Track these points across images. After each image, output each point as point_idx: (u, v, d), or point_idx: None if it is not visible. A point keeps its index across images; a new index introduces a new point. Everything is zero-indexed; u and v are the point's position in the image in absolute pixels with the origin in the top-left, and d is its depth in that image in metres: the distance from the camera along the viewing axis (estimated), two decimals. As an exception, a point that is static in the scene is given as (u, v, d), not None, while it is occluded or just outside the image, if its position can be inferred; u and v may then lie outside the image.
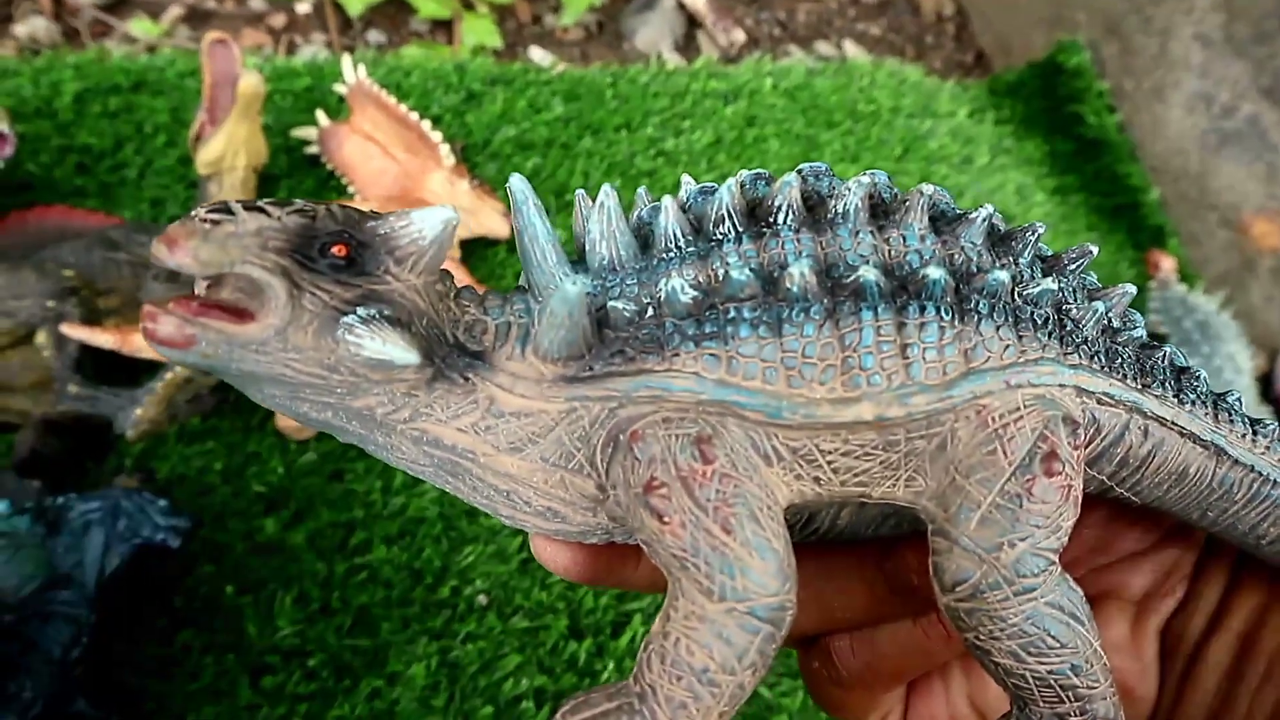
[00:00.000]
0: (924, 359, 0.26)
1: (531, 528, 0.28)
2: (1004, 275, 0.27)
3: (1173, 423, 0.29)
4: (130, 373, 0.86)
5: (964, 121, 1.53)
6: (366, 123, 1.04)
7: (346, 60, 1.05)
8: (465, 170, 1.04)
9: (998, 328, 0.26)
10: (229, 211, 0.24)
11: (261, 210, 0.24)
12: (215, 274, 0.24)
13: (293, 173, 1.05)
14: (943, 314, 0.26)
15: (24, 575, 0.65)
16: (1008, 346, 0.27)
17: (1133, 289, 0.30)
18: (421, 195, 1.00)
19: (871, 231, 0.27)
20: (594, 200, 0.27)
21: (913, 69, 1.57)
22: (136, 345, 0.82)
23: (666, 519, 0.24)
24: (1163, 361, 0.30)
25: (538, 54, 1.39)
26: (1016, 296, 0.27)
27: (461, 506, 0.89)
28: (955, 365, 0.26)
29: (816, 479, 0.26)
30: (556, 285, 0.25)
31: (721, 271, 0.26)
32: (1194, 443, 0.30)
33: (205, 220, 0.24)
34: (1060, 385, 0.27)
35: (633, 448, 0.25)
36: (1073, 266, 0.29)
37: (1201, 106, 1.43)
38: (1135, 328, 0.30)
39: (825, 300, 0.25)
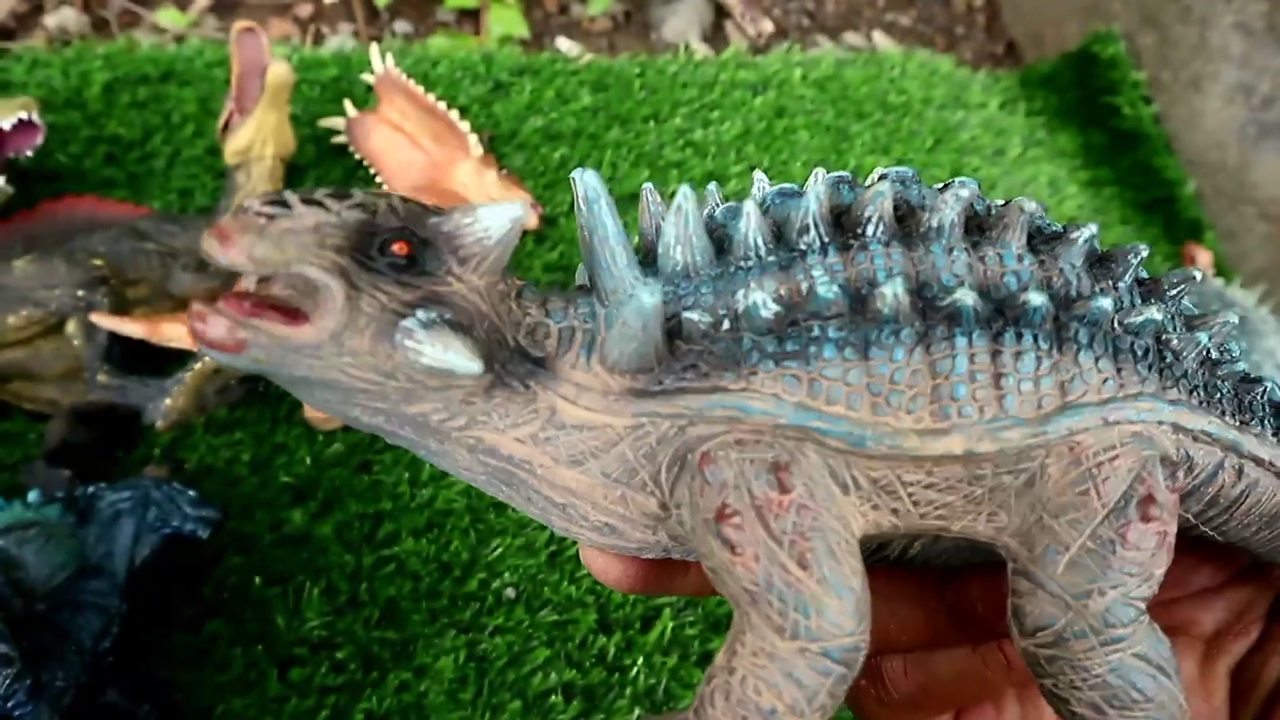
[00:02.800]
0: (1019, 391, 0.24)
1: (586, 541, 0.27)
2: (1107, 303, 0.25)
3: (1270, 464, 0.28)
4: (158, 362, 0.86)
5: (996, 113, 1.51)
6: (394, 112, 1.03)
7: (375, 50, 1.05)
8: (493, 160, 1.03)
9: (1097, 359, 0.25)
10: (285, 205, 0.22)
11: (320, 204, 0.23)
12: (269, 273, 0.23)
13: (320, 162, 1.05)
14: (1040, 343, 0.24)
15: (55, 565, 0.65)
16: (1106, 380, 0.25)
17: (1234, 319, 0.28)
18: (449, 185, 0.99)
19: (966, 249, 0.25)
20: (664, 198, 0.26)
21: (944, 60, 1.55)
22: (165, 335, 0.82)
23: (739, 550, 0.23)
24: (1261, 398, 0.28)
25: (565, 44, 1.38)
26: (1117, 325, 0.26)
27: (489, 499, 0.88)
28: (1051, 399, 0.24)
29: (895, 510, 0.25)
30: (628, 292, 0.24)
31: (806, 286, 0.24)
32: None
33: (260, 215, 0.22)
34: (1159, 422, 0.25)
35: (703, 470, 0.24)
36: (1173, 292, 0.27)
37: (1241, 98, 1.40)
38: (1235, 361, 0.28)
39: (917, 323, 0.24)
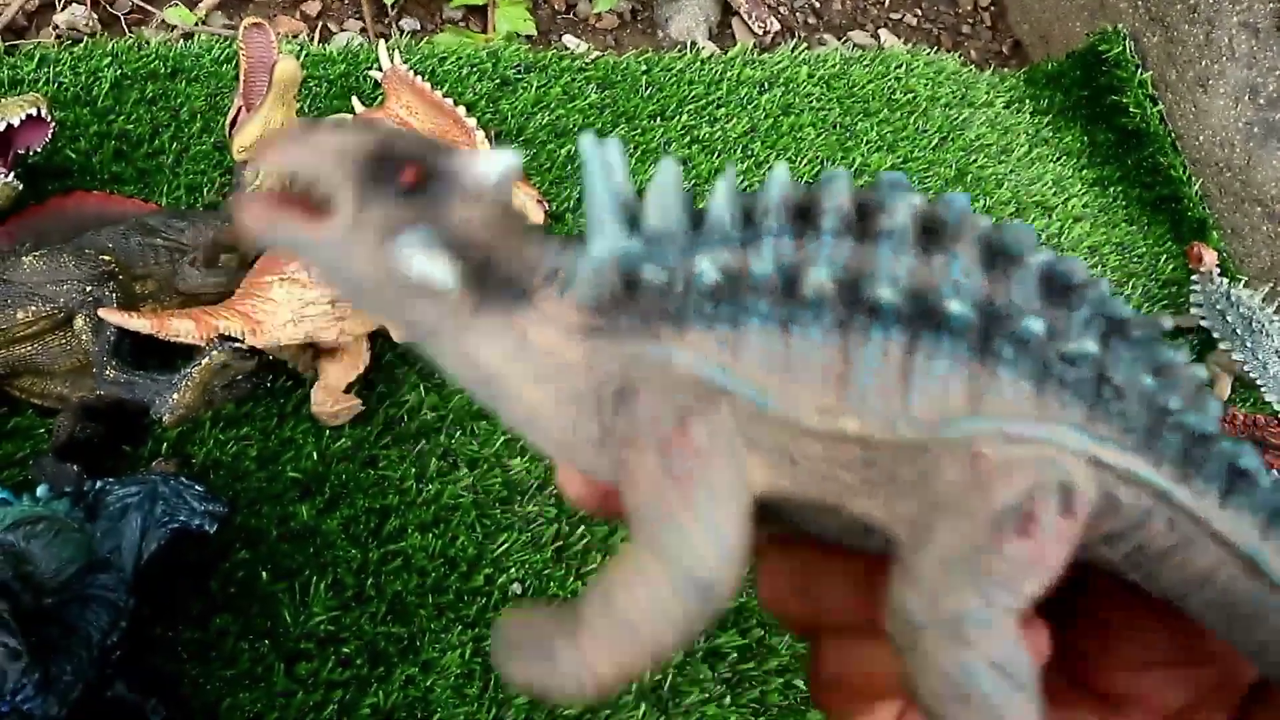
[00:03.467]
0: (924, 390, 0.25)
1: (550, 456, 0.30)
2: (1037, 325, 0.25)
3: (1205, 523, 0.27)
4: (165, 357, 0.86)
5: (1001, 112, 1.51)
6: (401, 108, 1.03)
7: (383, 46, 1.05)
8: (500, 158, 1.03)
9: (1017, 378, 0.26)
10: (321, 127, 0.26)
11: (347, 129, 0.26)
12: (298, 177, 0.26)
13: (327, 159, 1.05)
14: (959, 351, 0.25)
15: (64, 559, 0.65)
16: (1022, 398, 0.26)
17: (1203, 373, 0.27)
18: (456, 182, 1.00)
19: (916, 253, 0.26)
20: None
21: (950, 58, 1.55)
22: (173, 330, 0.82)
23: (635, 475, 0.26)
24: (1219, 457, 0.27)
25: (571, 41, 1.38)
26: (1050, 350, 0.26)
27: (495, 495, 0.89)
28: (957, 404, 0.25)
29: (794, 478, 0.27)
30: (598, 242, 0.27)
31: (750, 262, 0.26)
32: (1226, 550, 0.27)
33: (302, 130, 0.26)
34: (1072, 451, 0.26)
35: (632, 404, 0.27)
36: (1139, 334, 0.27)
37: (1247, 97, 1.40)
38: (1197, 415, 0.27)
39: (840, 310, 0.26)
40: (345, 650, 0.78)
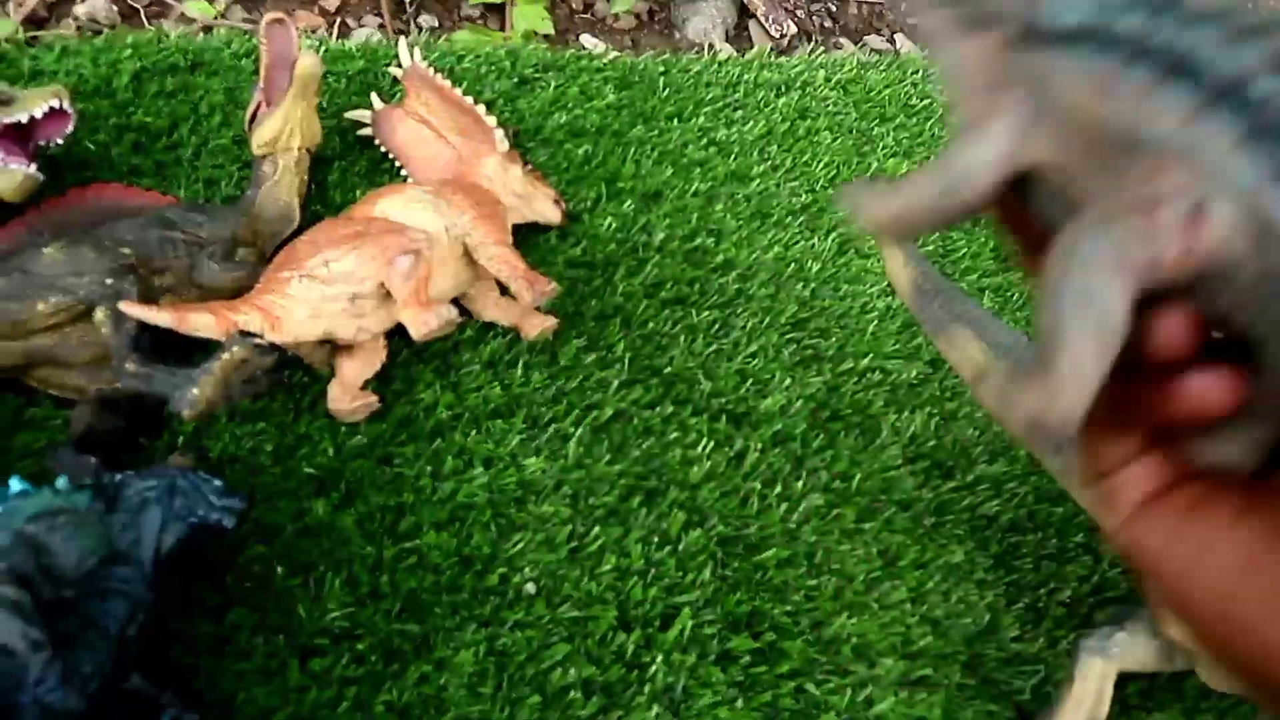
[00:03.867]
0: (1151, 104, 0.31)
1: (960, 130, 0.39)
2: (1264, 94, 0.29)
3: None
4: (181, 351, 0.86)
5: (1017, 118, 1.51)
6: (421, 106, 1.03)
7: (403, 43, 1.05)
8: (518, 156, 1.03)
9: (1225, 126, 0.30)
10: None
11: None
12: None
13: (346, 154, 1.05)
14: (1190, 92, 0.31)
15: (84, 551, 0.65)
16: (1222, 139, 0.30)
17: None
18: (475, 179, 1.00)
19: (1218, 36, 0.31)
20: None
21: (966, 63, 1.54)
22: (192, 324, 0.82)
23: (969, 109, 0.36)
24: None
25: (589, 41, 1.38)
26: (1269, 118, 0.30)
27: (510, 494, 0.88)
28: (1169, 121, 0.31)
29: (1056, 150, 0.34)
30: (1026, 9, 0.36)
31: (1103, 19, 0.35)
32: None
33: None
34: (1237, 190, 0.30)
35: (1000, 85, 0.36)
36: None
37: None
38: None
39: (1132, 48, 0.32)
40: (359, 647, 0.78)
